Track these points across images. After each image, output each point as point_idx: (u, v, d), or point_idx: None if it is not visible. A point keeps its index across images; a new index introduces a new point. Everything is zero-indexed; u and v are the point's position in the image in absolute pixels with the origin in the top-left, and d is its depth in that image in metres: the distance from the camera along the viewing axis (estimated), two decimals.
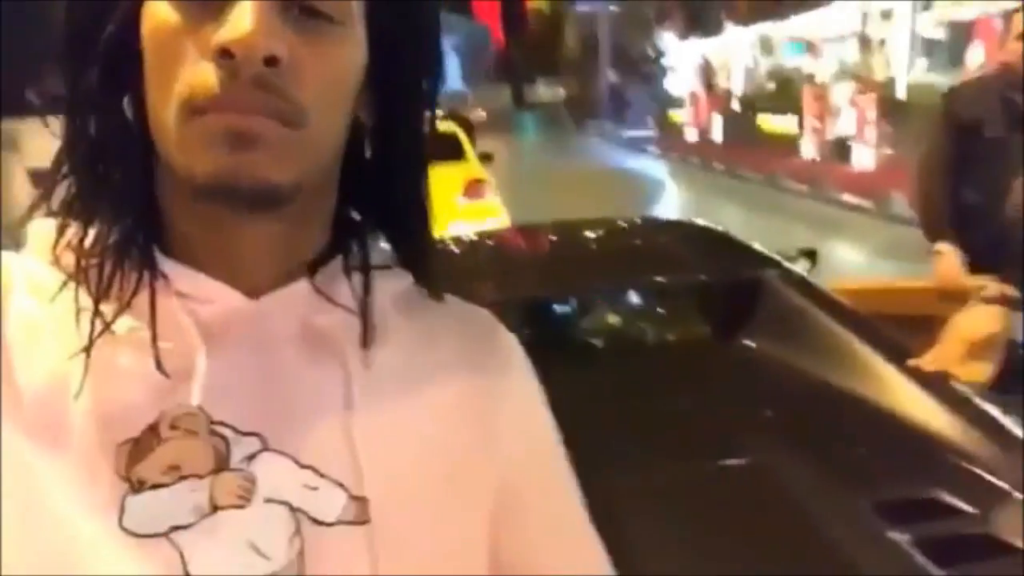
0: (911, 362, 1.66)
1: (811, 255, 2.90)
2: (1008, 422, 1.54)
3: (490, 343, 0.62)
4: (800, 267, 2.83)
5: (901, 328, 2.67)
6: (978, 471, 1.38)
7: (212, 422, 0.51)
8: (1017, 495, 1.32)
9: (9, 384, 0.51)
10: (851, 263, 6.89)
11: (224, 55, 0.48)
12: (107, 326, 0.51)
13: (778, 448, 1.49)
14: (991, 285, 1.69)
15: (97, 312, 0.51)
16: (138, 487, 0.50)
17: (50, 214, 0.55)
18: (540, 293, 2.14)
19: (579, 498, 0.64)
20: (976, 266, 2.69)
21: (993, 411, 1.57)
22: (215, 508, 0.50)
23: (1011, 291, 1.67)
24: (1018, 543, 1.21)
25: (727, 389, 1.80)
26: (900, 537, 1.24)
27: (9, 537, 0.49)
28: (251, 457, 0.51)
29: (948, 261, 2.70)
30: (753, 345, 2.01)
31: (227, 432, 0.51)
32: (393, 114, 0.57)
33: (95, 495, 0.50)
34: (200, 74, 0.49)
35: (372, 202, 0.59)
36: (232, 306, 0.53)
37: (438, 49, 0.59)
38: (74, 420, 0.51)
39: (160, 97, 0.51)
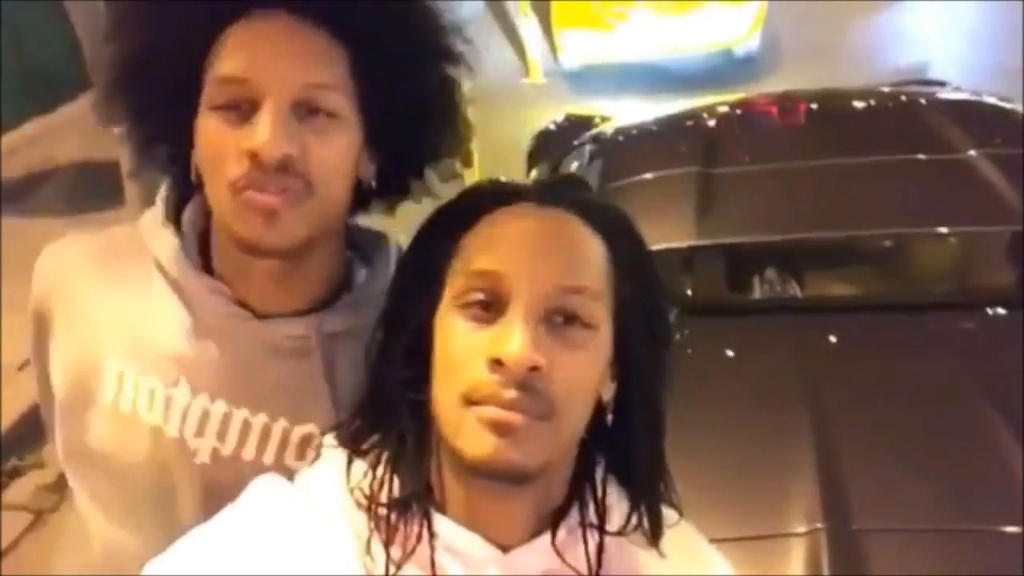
0: None
1: None
2: None
3: (699, 568, 0.75)
4: None
5: None
6: None
7: None
8: None
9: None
10: None
11: None
12: (397, 569, 0.66)
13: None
14: None
15: (388, 557, 0.66)
16: None
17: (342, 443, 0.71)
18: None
19: None
20: None
21: None
22: None
23: None
24: None
25: (1008, 380, 1.56)
26: None
27: None
28: None
29: None
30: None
31: None
32: (635, 389, 0.70)
33: None
34: None
35: (612, 455, 0.72)
36: (486, 557, 0.68)
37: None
38: None
39: (444, 390, 0.66)
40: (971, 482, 1.37)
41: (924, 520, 1.31)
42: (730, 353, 1.79)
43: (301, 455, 0.79)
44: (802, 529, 1.30)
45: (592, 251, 0.69)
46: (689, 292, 2.03)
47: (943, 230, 1.91)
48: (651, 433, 0.73)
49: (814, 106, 2.56)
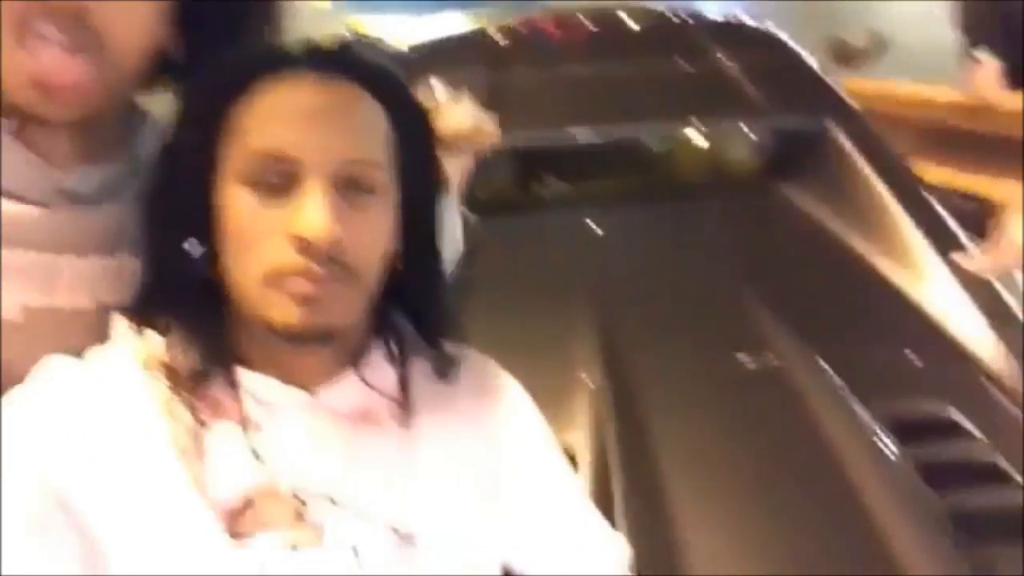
0: (961, 262, 1.68)
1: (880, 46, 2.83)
2: None
3: (493, 388, 0.83)
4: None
5: (920, 138, 2.68)
6: (997, 395, 1.46)
7: (292, 490, 0.68)
8: None
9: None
10: None
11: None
12: (205, 426, 0.68)
13: (797, 339, 1.54)
14: None
15: (194, 415, 0.69)
16: (237, 539, 0.66)
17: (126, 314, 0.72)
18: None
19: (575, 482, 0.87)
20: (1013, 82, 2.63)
21: None
22: (295, 549, 0.67)
23: None
24: (1019, 478, 1.32)
25: (755, 250, 1.83)
26: (905, 455, 1.35)
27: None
28: (322, 513, 0.69)
29: (986, 73, 2.61)
30: (794, 198, 2.02)
31: (304, 496, 0.68)
32: (419, 242, 0.76)
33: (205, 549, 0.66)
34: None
35: (401, 298, 0.78)
36: (296, 401, 0.72)
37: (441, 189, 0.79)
38: (184, 490, 0.66)
39: (244, 269, 0.68)
40: (727, 331, 1.60)
41: (693, 376, 1.51)
42: (516, 247, 1.93)
43: (115, 288, 0.77)
44: (586, 382, 1.47)
45: (375, 121, 0.71)
46: (479, 194, 2.15)
47: (700, 128, 2.16)
48: (434, 275, 0.79)
49: (591, 23, 2.75)
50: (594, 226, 1.99)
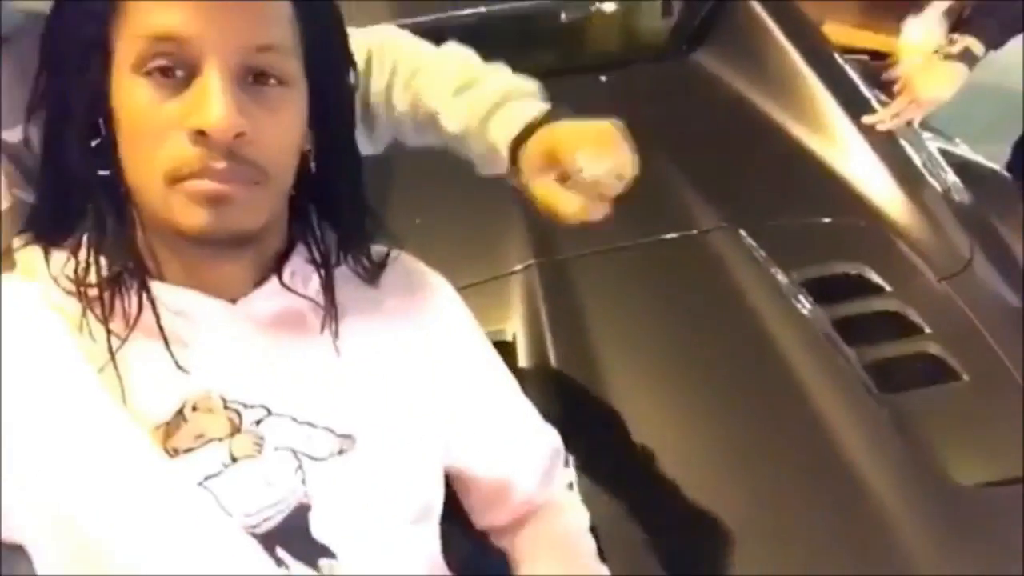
0: (867, 119, 1.72)
1: None
2: (949, 196, 1.67)
3: (421, 288, 0.81)
4: None
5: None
6: (906, 250, 1.52)
7: (224, 401, 0.67)
8: (933, 278, 1.48)
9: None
10: None
11: None
12: (123, 342, 0.65)
13: (717, 209, 1.57)
14: (957, 40, 1.67)
15: (109, 331, 0.65)
16: (174, 455, 0.65)
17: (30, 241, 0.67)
18: None
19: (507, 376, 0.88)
20: None
21: (937, 185, 1.69)
22: (235, 459, 0.66)
23: (977, 48, 1.67)
24: (926, 327, 1.40)
25: (669, 120, 1.82)
26: (820, 313, 1.40)
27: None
28: (259, 421, 0.68)
29: None
30: (708, 66, 2.00)
31: (238, 406, 0.68)
32: (333, 136, 0.72)
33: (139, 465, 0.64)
34: None
35: (318, 201, 0.75)
36: (214, 310, 0.69)
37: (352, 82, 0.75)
38: (111, 408, 0.64)
39: (143, 168, 0.64)
40: (649, 205, 1.59)
41: (620, 253, 1.52)
42: None
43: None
44: (517, 267, 1.47)
45: (278, 7, 0.66)
46: None
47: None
48: (351, 174, 0.76)
49: None
50: None
